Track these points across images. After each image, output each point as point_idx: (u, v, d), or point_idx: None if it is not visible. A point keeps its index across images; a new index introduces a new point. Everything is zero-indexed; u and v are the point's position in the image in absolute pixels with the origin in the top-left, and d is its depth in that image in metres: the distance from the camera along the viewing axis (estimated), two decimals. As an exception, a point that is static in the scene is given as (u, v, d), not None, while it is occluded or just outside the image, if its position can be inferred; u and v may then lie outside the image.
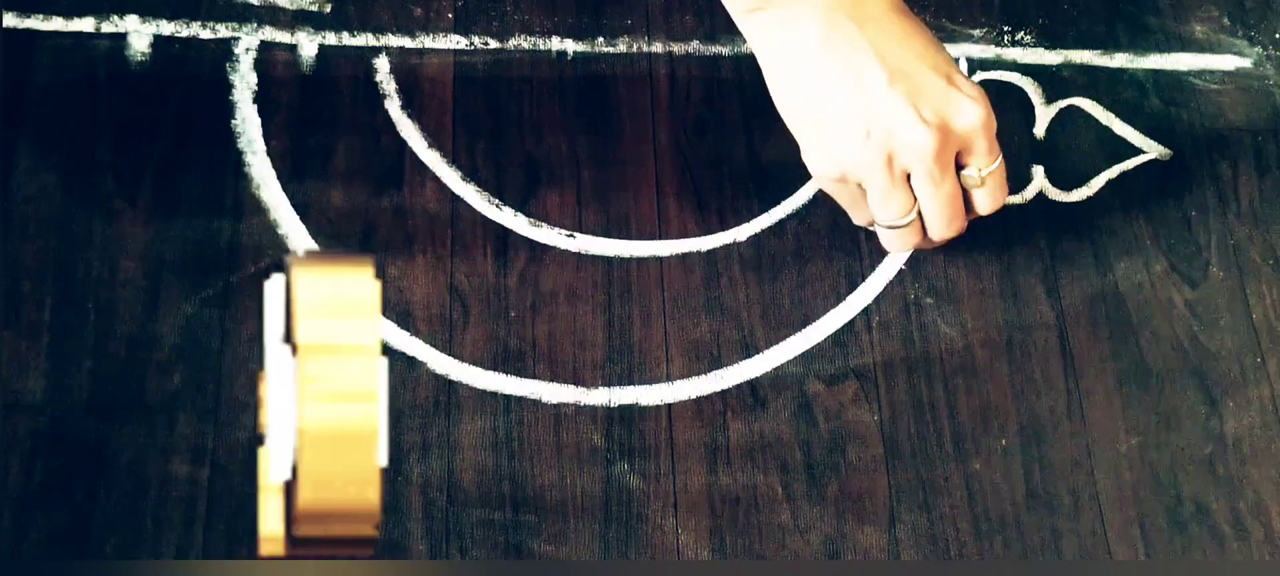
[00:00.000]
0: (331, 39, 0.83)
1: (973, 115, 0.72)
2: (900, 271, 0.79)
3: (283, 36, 0.83)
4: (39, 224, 0.76)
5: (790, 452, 0.73)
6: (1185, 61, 0.87)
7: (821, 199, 0.80)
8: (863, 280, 0.79)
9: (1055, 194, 0.82)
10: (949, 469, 0.74)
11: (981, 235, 0.79)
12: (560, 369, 0.75)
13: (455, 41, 0.84)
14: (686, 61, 0.85)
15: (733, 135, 0.82)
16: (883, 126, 0.71)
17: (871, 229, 0.78)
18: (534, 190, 0.80)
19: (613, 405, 0.74)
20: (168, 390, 0.72)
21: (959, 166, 0.74)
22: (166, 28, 0.83)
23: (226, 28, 0.83)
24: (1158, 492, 0.73)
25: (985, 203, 0.75)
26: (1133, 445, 0.74)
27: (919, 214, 0.74)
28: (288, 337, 0.50)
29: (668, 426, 0.74)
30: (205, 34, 0.83)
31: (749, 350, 0.76)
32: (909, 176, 0.73)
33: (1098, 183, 0.82)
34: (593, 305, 0.77)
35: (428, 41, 0.84)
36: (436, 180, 0.80)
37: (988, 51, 0.86)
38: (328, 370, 0.48)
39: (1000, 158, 0.74)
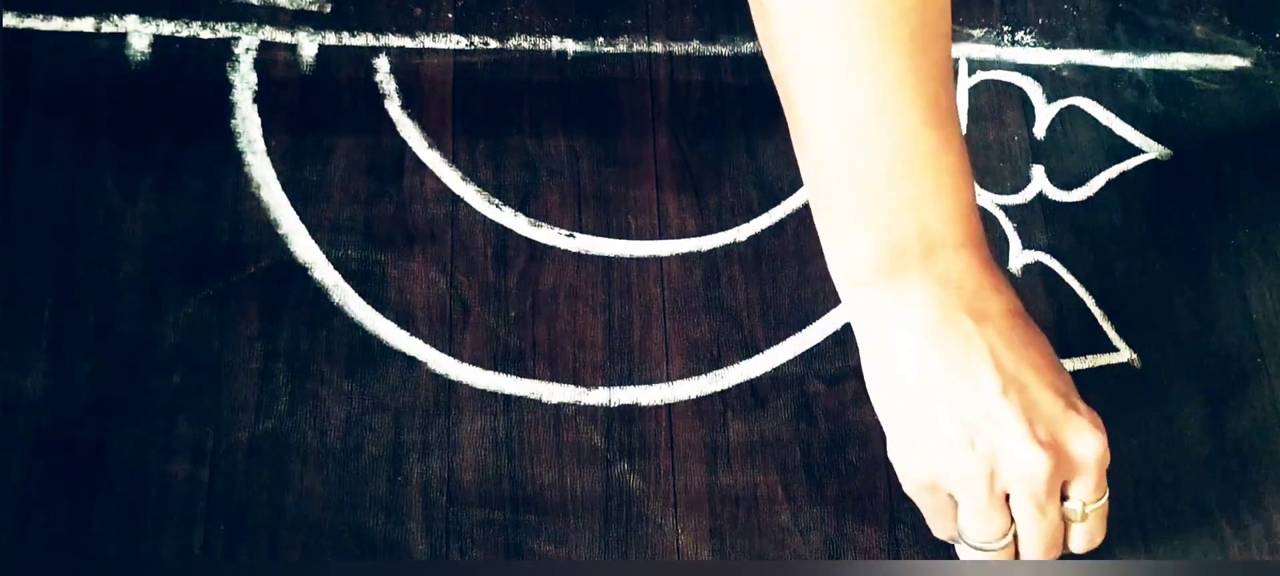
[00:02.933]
0: (331, 39, 0.83)
1: (1091, 444, 0.64)
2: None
3: (283, 36, 0.83)
4: (39, 224, 0.76)
5: (790, 452, 0.73)
6: (1185, 61, 0.87)
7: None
8: (863, 280, 0.78)
9: (1055, 194, 0.82)
10: (949, 469, 0.73)
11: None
12: (560, 369, 0.75)
13: (455, 41, 0.84)
14: (686, 61, 0.85)
15: (733, 135, 0.82)
16: (990, 437, 0.63)
17: (951, 542, 0.69)
18: (534, 190, 0.80)
19: (613, 405, 0.74)
20: (168, 390, 0.72)
21: (1063, 496, 0.66)
22: (166, 28, 0.83)
23: (226, 28, 0.83)
24: (1158, 492, 0.73)
25: (1082, 540, 0.67)
26: (1133, 445, 0.74)
27: (1014, 539, 0.66)
28: None
29: (668, 426, 0.73)
30: (205, 34, 0.83)
31: (749, 350, 0.76)
32: (1008, 497, 0.65)
33: (1098, 183, 0.82)
34: (593, 305, 0.77)
35: (428, 41, 0.84)
36: (436, 180, 0.80)
37: (988, 51, 0.86)
38: None
39: (1107, 494, 0.66)
